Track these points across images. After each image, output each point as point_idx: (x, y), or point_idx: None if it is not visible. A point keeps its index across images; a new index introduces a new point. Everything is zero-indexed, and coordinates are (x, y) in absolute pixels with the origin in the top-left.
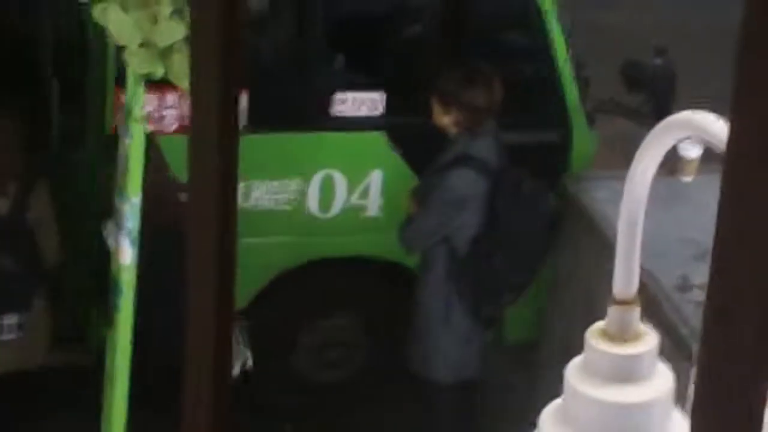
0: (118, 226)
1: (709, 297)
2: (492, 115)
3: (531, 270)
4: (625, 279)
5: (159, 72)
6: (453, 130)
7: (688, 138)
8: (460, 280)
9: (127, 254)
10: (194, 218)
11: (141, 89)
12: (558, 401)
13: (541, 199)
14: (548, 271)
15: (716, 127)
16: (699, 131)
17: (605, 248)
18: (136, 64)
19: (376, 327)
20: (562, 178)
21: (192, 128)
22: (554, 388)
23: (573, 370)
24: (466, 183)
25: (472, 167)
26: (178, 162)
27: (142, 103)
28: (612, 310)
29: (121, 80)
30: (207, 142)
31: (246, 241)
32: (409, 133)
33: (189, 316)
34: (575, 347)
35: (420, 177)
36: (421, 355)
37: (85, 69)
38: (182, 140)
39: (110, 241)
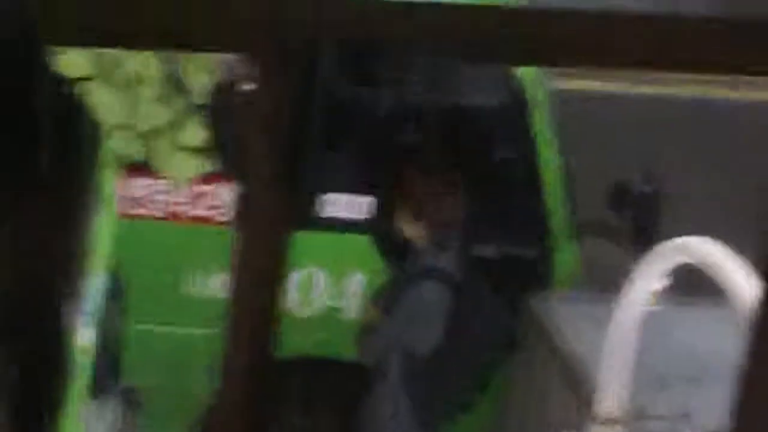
0: (78, 308)
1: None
2: (458, 228)
3: (482, 385)
4: (610, 400)
5: (137, 155)
6: (420, 241)
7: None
8: (412, 389)
9: (84, 335)
10: None
11: (112, 169)
12: None
13: (501, 317)
14: (499, 386)
15: (714, 253)
16: (696, 258)
17: (562, 369)
18: (114, 144)
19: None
20: (529, 296)
21: None
22: None
23: None
24: (432, 296)
25: (439, 280)
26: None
27: (112, 184)
28: (595, 429)
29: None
30: None
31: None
32: (393, 239)
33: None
34: None
35: (384, 286)
36: None
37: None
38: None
39: (70, 321)
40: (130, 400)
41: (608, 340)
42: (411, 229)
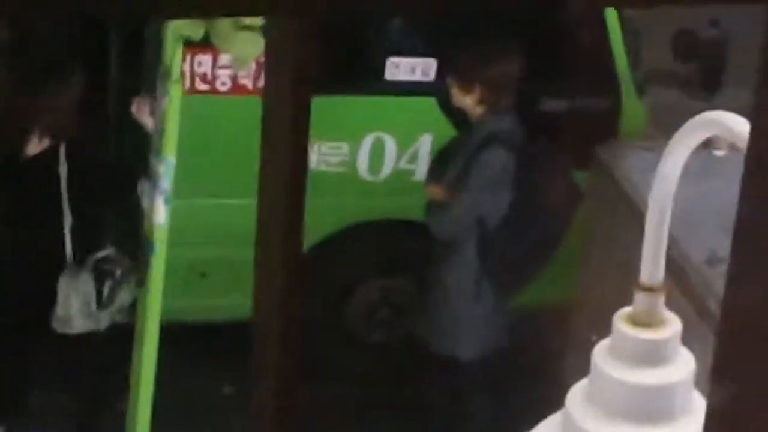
0: (154, 186)
1: (730, 267)
2: (514, 90)
3: (556, 242)
4: (653, 266)
5: (198, 34)
6: (476, 111)
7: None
8: (489, 259)
9: (161, 214)
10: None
11: (179, 50)
12: (585, 381)
13: (567, 172)
14: (577, 239)
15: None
16: (725, 132)
17: (636, 217)
18: (176, 25)
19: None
20: (595, 147)
21: None
22: (584, 358)
23: (600, 352)
24: (498, 162)
25: (502, 145)
26: (231, 123)
27: (179, 63)
28: (639, 296)
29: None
30: None
31: None
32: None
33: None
34: (609, 315)
35: (444, 161)
36: (448, 333)
37: (142, 28)
38: (235, 101)
39: (145, 200)
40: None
41: (649, 208)
42: (463, 97)
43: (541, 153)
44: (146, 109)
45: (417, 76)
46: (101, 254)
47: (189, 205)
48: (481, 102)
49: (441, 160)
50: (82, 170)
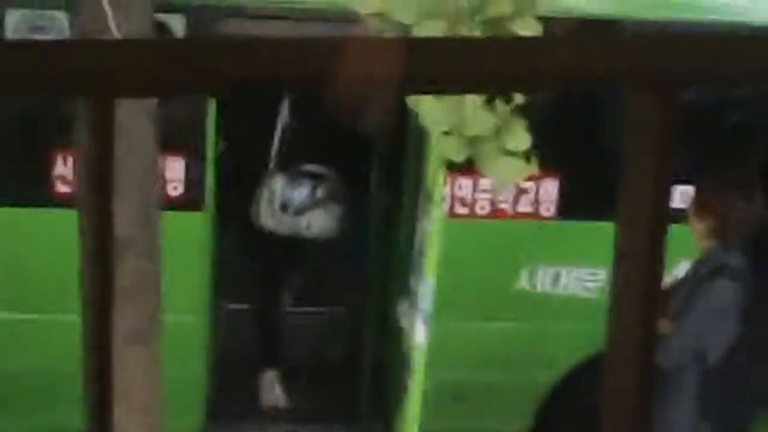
0: (413, 306)
1: None
2: (751, 223)
3: None
4: None
5: (459, 159)
6: (706, 241)
7: None
8: (710, 396)
9: (420, 334)
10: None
11: (441, 173)
12: None
13: None
14: None
15: None
16: None
17: None
18: (439, 148)
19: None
20: None
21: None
22: None
23: None
24: (726, 294)
25: (731, 277)
26: (489, 247)
27: (441, 186)
28: None
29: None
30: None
31: (553, 326)
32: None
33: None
34: None
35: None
36: None
37: (404, 150)
38: (493, 225)
39: (404, 320)
40: None
41: None
42: (696, 227)
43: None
44: None
45: (674, 203)
46: None
47: (447, 327)
48: (712, 232)
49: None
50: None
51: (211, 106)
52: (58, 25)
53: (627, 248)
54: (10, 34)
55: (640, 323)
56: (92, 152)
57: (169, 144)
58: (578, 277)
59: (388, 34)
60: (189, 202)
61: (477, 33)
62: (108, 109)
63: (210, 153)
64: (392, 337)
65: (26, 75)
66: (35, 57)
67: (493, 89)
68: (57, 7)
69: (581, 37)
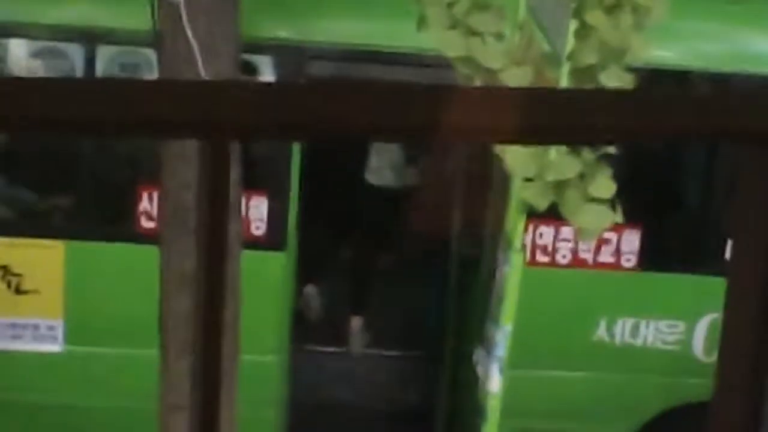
0: (489, 353)
1: None
2: None
3: None
4: None
5: (542, 205)
6: None
7: None
8: None
9: (495, 382)
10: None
11: (522, 220)
12: None
13: None
14: None
15: None
16: None
17: None
18: (522, 195)
19: None
20: None
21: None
22: None
23: None
24: None
25: None
26: (569, 297)
27: (522, 234)
28: None
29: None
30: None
31: (631, 377)
32: None
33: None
34: None
35: None
36: None
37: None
38: (573, 274)
39: (479, 368)
40: None
41: None
42: None
43: None
44: None
45: None
46: None
47: (524, 375)
48: None
49: None
50: None
51: (295, 147)
52: (148, 62)
53: (737, 304)
54: (101, 70)
55: (750, 379)
56: (206, 195)
57: (252, 183)
58: (657, 329)
59: (474, 79)
60: (271, 242)
61: (563, 81)
62: (224, 152)
63: (294, 193)
64: (468, 384)
65: (144, 117)
66: (151, 98)
67: (608, 140)
68: (147, 45)
69: (696, 93)
